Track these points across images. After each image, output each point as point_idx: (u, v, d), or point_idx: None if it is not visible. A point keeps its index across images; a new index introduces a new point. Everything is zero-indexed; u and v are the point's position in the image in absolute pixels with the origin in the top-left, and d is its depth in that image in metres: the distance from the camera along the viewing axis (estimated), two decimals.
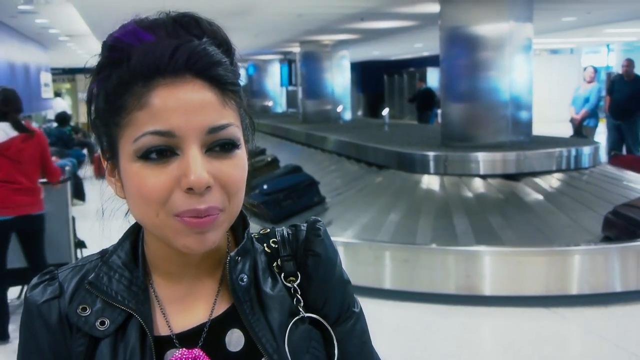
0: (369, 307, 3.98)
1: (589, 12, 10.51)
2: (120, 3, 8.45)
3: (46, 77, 16.26)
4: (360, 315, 0.92)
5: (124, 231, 0.89)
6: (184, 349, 0.81)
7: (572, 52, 24.25)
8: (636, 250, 4.87)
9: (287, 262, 0.88)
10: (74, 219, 5.42)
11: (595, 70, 10.06)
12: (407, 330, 4.39)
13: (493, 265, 4.90)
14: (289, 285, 0.87)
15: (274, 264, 0.88)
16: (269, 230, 0.92)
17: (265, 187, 6.04)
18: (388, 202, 5.92)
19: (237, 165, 0.78)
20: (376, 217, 5.67)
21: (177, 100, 0.75)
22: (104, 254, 0.88)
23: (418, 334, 4.32)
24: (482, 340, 4.50)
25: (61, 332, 0.83)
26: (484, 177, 6.02)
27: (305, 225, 0.91)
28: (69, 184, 5.31)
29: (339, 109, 13.12)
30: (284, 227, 0.92)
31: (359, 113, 23.28)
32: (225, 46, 0.81)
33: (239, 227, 0.88)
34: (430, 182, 6.13)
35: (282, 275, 0.87)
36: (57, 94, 19.34)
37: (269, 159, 8.26)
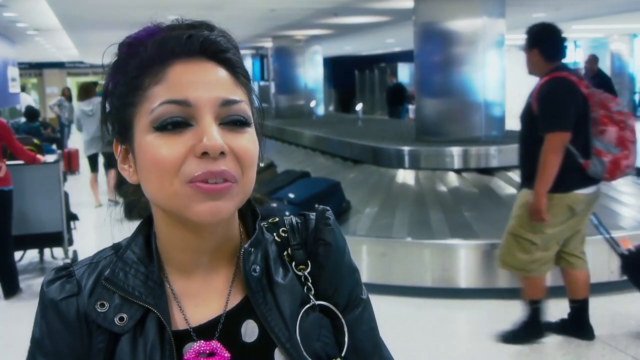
0: None
1: (558, 8, 10.69)
2: None
3: (13, 72, 15.97)
4: (367, 303, 0.94)
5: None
6: (202, 341, 0.82)
7: None
8: (606, 243, 4.96)
9: (297, 251, 0.90)
10: (67, 194, 5.98)
11: None
12: (384, 323, 4.37)
13: (468, 258, 4.96)
14: (299, 273, 0.88)
15: (285, 253, 0.89)
16: (277, 219, 0.94)
17: (291, 195, 5.63)
18: (364, 197, 5.95)
19: (250, 140, 0.81)
20: (352, 211, 5.70)
21: (193, 74, 0.79)
22: (117, 249, 0.88)
23: (395, 327, 4.36)
24: (459, 332, 4.56)
25: (79, 329, 0.83)
26: (458, 171, 6.09)
27: (314, 214, 0.92)
28: (60, 164, 5.89)
29: (312, 104, 13.14)
30: (292, 216, 0.94)
31: (331, 108, 23.30)
32: (234, 47, 0.84)
33: (248, 218, 0.89)
34: (405, 176, 6.18)
35: (293, 263, 0.89)
36: (22, 89, 19.02)
37: (265, 164, 8.01)
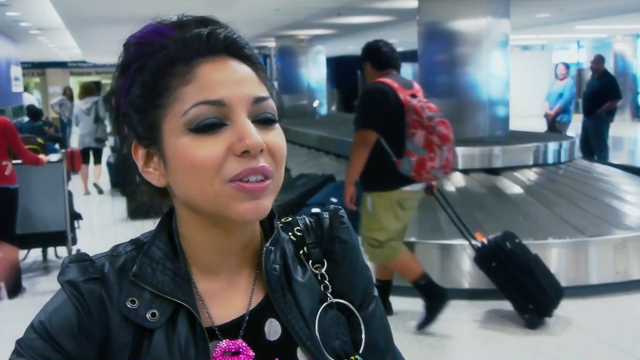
0: None
1: (562, 8, 10.67)
2: None
3: (16, 71, 15.99)
4: (378, 300, 0.95)
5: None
6: (227, 340, 0.82)
7: (543, 48, 24.57)
8: (612, 243, 4.95)
9: (313, 249, 0.90)
10: (70, 193, 6.06)
11: (567, 66, 10.19)
12: (390, 323, 4.40)
13: (472, 259, 4.93)
14: (316, 272, 0.89)
15: (301, 252, 0.90)
16: (290, 219, 0.95)
17: (334, 200, 5.31)
18: None
19: (280, 136, 0.82)
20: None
21: (223, 73, 0.79)
22: (137, 245, 0.86)
23: (400, 328, 4.34)
24: (464, 333, 4.54)
25: (98, 314, 0.80)
26: (463, 171, 6.07)
27: (326, 213, 0.94)
28: (64, 163, 5.94)
29: (315, 103, 13.14)
30: (304, 216, 0.95)
31: (333, 108, 23.29)
32: (248, 43, 0.85)
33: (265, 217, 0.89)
34: None
35: (310, 262, 0.90)
36: (24, 89, 19.03)
37: None
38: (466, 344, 4.30)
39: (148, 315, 0.81)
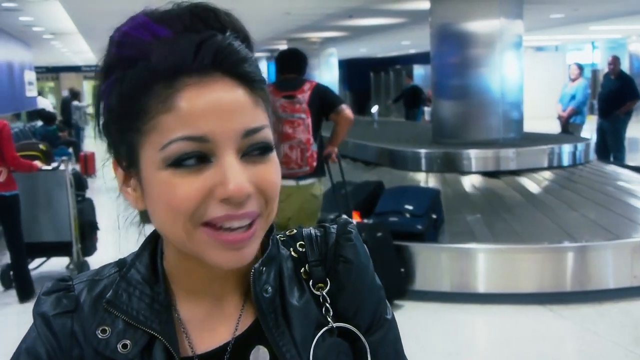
0: None
1: (576, 9, 10.57)
2: None
3: (30, 76, 16.08)
4: (392, 323, 0.86)
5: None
6: None
7: (557, 49, 24.41)
8: (629, 247, 4.87)
9: (315, 268, 0.81)
10: (90, 202, 5.99)
11: (580, 67, 10.09)
12: (402, 328, 4.34)
13: (487, 263, 4.88)
14: (317, 293, 0.80)
15: (302, 270, 0.81)
16: (295, 231, 0.86)
17: (409, 207, 5.09)
18: None
19: (274, 169, 0.72)
20: None
21: (208, 101, 0.68)
22: (121, 267, 0.80)
23: (412, 333, 4.29)
24: (478, 338, 4.49)
25: (69, 349, 0.75)
26: (476, 174, 6.01)
27: (335, 226, 0.84)
28: (66, 170, 5.62)
29: None
30: (311, 228, 0.85)
31: None
32: (247, 40, 0.74)
33: None
34: (422, 179, 6.11)
35: (311, 282, 0.81)
36: (38, 93, 19.16)
37: None
38: (482, 349, 4.25)
39: (119, 347, 0.74)
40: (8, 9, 9.60)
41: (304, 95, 4.33)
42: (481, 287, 4.87)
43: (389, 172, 6.60)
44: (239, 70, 0.70)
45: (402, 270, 4.78)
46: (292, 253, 0.83)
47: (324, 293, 0.80)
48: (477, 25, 6.47)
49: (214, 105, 0.68)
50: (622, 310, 4.60)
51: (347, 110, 4.46)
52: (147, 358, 0.74)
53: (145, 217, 0.81)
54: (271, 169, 0.72)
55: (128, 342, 0.74)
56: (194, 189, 0.68)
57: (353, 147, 7.93)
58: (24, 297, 5.17)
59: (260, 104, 0.72)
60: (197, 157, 0.68)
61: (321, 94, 4.38)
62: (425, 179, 6.09)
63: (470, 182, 5.91)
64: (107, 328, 0.75)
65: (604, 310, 4.57)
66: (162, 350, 0.74)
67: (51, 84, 28.83)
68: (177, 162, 0.68)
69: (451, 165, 6.12)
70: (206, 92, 0.68)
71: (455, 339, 4.25)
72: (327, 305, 0.80)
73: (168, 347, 0.74)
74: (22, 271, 5.21)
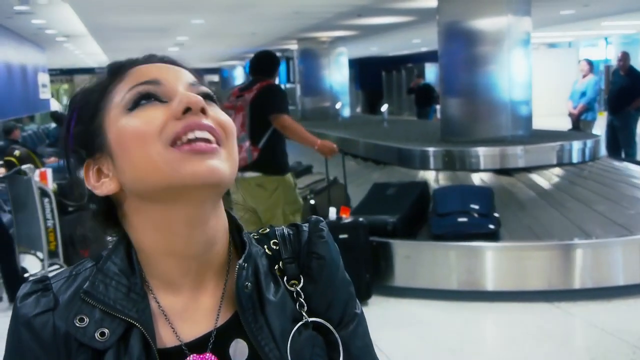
0: (371, 303, 3.96)
1: (587, 4, 10.49)
2: (116, 2, 8.43)
3: (44, 78, 16.21)
4: (361, 317, 0.90)
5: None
6: (195, 355, 0.79)
7: (570, 45, 24.23)
8: (639, 243, 4.85)
9: (289, 265, 0.85)
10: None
11: (590, 63, 10.01)
12: (409, 326, 4.37)
13: (495, 261, 4.88)
14: (291, 289, 0.84)
15: (276, 267, 0.85)
16: (268, 229, 0.90)
17: (475, 206, 5.04)
18: None
19: (224, 114, 0.80)
20: None
21: (159, 65, 0.82)
22: (98, 261, 0.83)
23: (421, 330, 4.30)
24: (485, 336, 4.49)
25: (55, 348, 0.77)
26: (484, 171, 5.99)
27: (307, 225, 0.88)
28: (32, 179, 5.38)
29: (338, 105, 13.11)
30: (283, 227, 0.90)
31: (358, 110, 23.23)
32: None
33: (233, 231, 0.85)
34: (430, 177, 6.11)
35: (285, 278, 0.85)
36: (52, 95, 19.31)
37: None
38: (486, 347, 4.24)
39: (97, 335, 0.76)
40: (21, 13, 9.69)
41: (250, 95, 4.57)
42: (489, 285, 4.86)
43: (398, 170, 6.61)
44: (183, 65, 0.84)
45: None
46: (267, 250, 0.86)
47: (298, 289, 0.84)
48: (485, 23, 6.44)
49: (161, 66, 0.82)
50: (631, 307, 4.57)
51: (282, 118, 4.55)
52: (124, 347, 0.77)
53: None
54: (222, 113, 0.80)
55: (106, 330, 0.77)
56: (154, 114, 0.76)
57: (363, 146, 7.94)
58: (14, 296, 5.16)
59: (204, 83, 0.83)
60: (148, 96, 0.77)
61: (264, 95, 4.56)
62: (435, 177, 6.08)
63: (478, 179, 5.89)
64: (84, 317, 0.77)
65: (612, 307, 4.55)
66: (139, 339, 0.77)
67: (65, 86, 29.02)
68: (135, 104, 0.77)
69: (459, 163, 6.11)
70: (156, 66, 0.82)
71: (462, 336, 4.25)
72: (302, 300, 0.84)
73: (145, 335, 0.77)
74: (11, 269, 5.14)
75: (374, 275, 4.84)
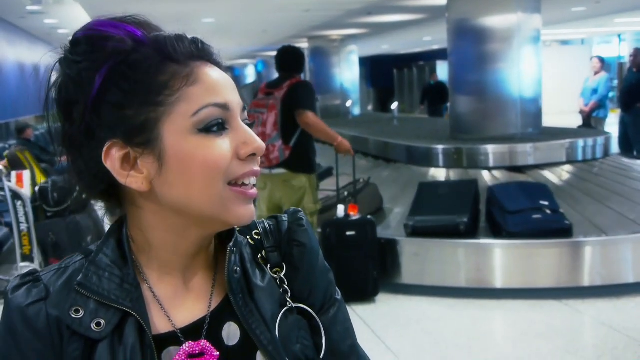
0: (379, 301, 3.96)
1: (598, 1, 10.43)
2: (127, 2, 8.49)
3: None
4: (341, 303, 0.94)
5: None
6: (190, 342, 0.81)
7: (583, 42, 24.06)
8: None
9: (272, 253, 0.89)
10: (75, 222, 5.39)
11: (602, 60, 9.94)
12: (417, 323, 4.38)
13: (504, 258, 4.87)
14: (275, 276, 0.88)
15: (259, 256, 0.89)
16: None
17: (546, 203, 4.98)
18: (395, 196, 5.91)
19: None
20: (384, 210, 5.66)
21: (222, 77, 0.81)
22: (87, 254, 0.84)
23: (429, 328, 4.31)
24: (493, 333, 4.48)
25: (49, 336, 0.79)
26: (493, 169, 5.99)
27: (285, 216, 0.93)
28: (4, 178, 5.30)
29: (348, 103, 13.11)
30: (263, 219, 0.94)
31: (369, 108, 23.21)
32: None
33: None
34: (439, 175, 6.11)
35: (268, 266, 0.89)
36: None
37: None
38: (494, 344, 4.24)
39: (93, 325, 0.78)
40: (33, 12, 9.78)
41: (281, 93, 4.57)
42: (498, 283, 4.86)
43: (408, 168, 6.61)
44: (218, 60, 0.84)
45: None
46: (249, 240, 0.90)
47: (282, 276, 0.88)
48: (494, 20, 6.43)
49: (226, 81, 0.81)
50: (639, 305, 4.56)
51: (305, 115, 4.52)
52: (118, 336, 0.79)
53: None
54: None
55: (101, 320, 0.79)
56: (225, 147, 0.78)
57: (374, 145, 7.95)
58: None
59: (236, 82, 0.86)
60: (219, 124, 0.79)
61: (293, 92, 4.56)
62: (441, 175, 6.08)
63: (487, 177, 5.88)
64: (80, 308, 0.79)
65: (621, 305, 4.53)
66: (134, 328, 0.79)
67: None
68: (207, 128, 0.77)
69: (468, 161, 6.11)
70: (214, 70, 0.81)
71: (470, 334, 4.25)
72: (285, 286, 0.88)
73: (140, 324, 0.79)
74: None
75: (381, 272, 4.87)
